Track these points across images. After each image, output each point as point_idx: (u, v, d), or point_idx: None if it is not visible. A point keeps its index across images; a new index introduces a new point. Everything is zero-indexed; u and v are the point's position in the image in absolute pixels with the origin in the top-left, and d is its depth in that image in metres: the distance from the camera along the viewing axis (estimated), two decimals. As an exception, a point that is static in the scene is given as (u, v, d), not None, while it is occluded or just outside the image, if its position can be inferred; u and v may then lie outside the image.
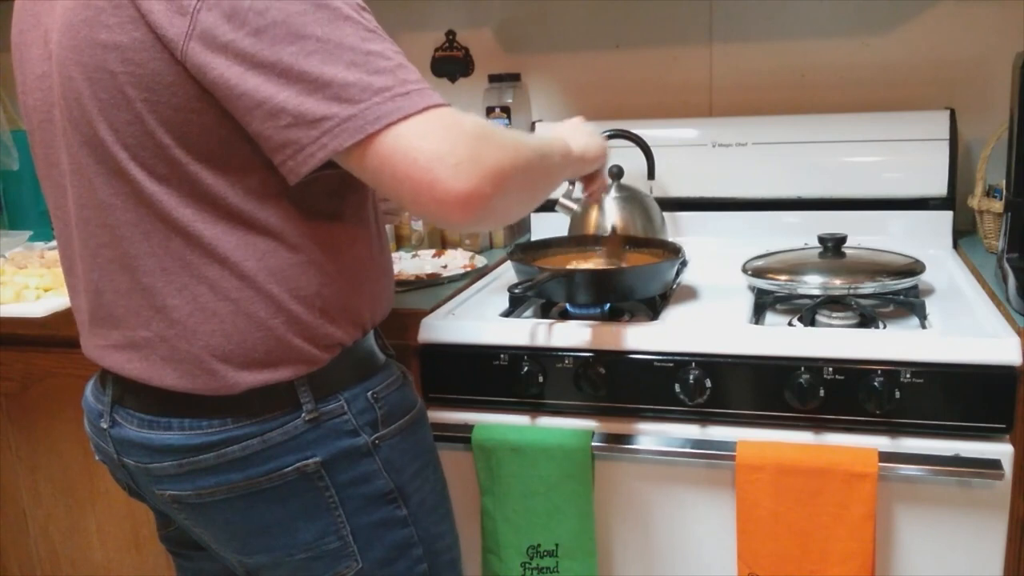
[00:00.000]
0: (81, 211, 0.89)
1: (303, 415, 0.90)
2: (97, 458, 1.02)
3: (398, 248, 1.76)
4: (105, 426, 0.95)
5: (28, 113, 0.94)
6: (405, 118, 0.75)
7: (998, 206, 1.47)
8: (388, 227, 1.69)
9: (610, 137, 1.59)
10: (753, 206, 1.67)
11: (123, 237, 0.86)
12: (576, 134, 1.09)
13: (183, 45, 0.76)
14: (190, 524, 0.96)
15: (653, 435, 1.19)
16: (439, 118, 0.77)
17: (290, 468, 0.90)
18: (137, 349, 0.89)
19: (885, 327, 1.20)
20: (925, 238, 1.57)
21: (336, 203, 0.90)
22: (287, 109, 0.76)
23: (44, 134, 0.91)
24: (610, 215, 1.54)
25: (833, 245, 1.36)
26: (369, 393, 0.95)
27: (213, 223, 0.84)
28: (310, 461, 0.91)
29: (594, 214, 1.55)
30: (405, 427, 0.99)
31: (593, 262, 1.37)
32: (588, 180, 1.17)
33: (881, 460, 1.08)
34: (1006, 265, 1.28)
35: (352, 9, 0.78)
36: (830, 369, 1.12)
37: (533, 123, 1.82)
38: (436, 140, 0.75)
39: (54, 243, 1.08)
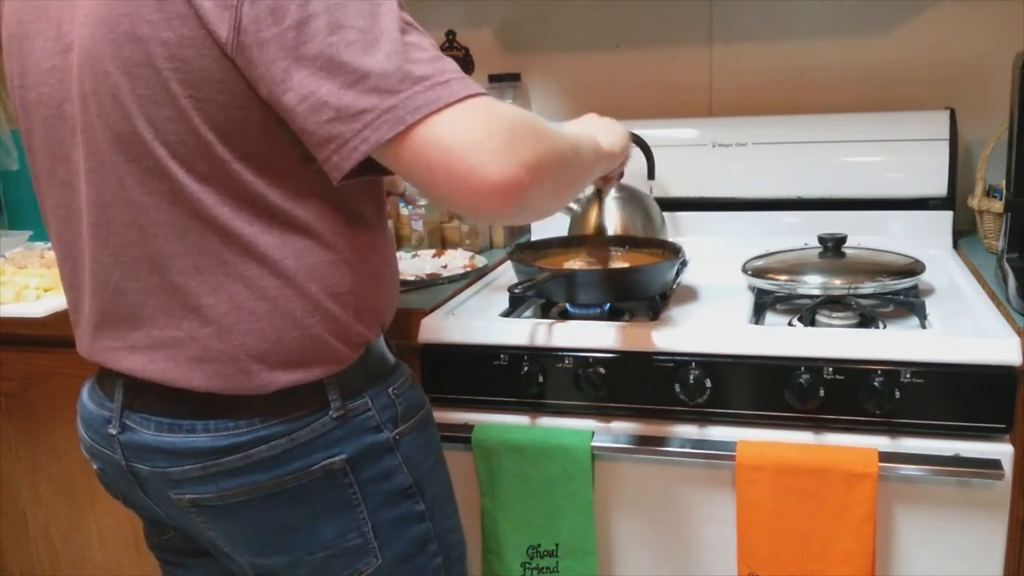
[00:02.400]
0: (104, 210, 0.87)
1: (331, 412, 0.90)
2: (95, 466, 1.00)
3: (398, 248, 1.76)
4: (114, 432, 0.93)
5: (28, 108, 0.91)
6: (444, 107, 0.74)
7: (998, 206, 1.47)
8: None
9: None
10: (753, 206, 1.67)
11: (155, 236, 0.85)
12: (600, 128, 1.09)
13: (232, 41, 0.76)
14: (205, 528, 0.95)
15: (653, 435, 1.19)
16: (477, 107, 0.76)
17: (317, 466, 0.90)
18: (163, 349, 0.88)
19: (885, 327, 1.20)
20: (925, 238, 1.57)
21: (362, 203, 0.91)
22: (329, 103, 0.75)
23: (50, 130, 0.89)
24: (610, 215, 1.54)
25: (833, 245, 1.36)
26: (390, 389, 0.96)
27: (251, 221, 0.83)
28: (336, 459, 0.91)
29: (594, 214, 1.55)
30: (419, 423, 0.99)
31: (578, 262, 1.37)
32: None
33: (881, 460, 1.08)
34: (1006, 265, 1.28)
35: (389, 0, 0.78)
36: (830, 369, 1.12)
37: (533, 123, 1.82)
38: (472, 129, 0.74)
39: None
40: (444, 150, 0.74)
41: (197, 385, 0.87)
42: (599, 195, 1.45)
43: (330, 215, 0.87)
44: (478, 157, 0.73)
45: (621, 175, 1.35)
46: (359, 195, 0.90)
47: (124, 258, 0.87)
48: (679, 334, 1.19)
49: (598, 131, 1.07)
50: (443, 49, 1.90)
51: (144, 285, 0.87)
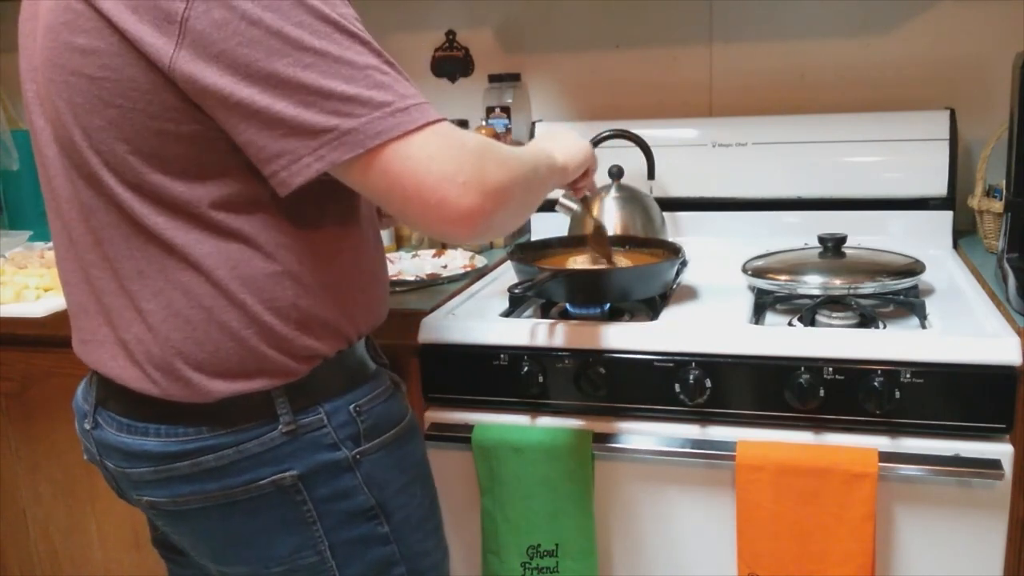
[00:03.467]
0: (69, 210, 0.88)
1: (280, 427, 0.88)
2: (85, 458, 1.01)
3: (398, 248, 1.76)
4: (88, 427, 0.95)
5: (26, 104, 0.92)
6: (406, 134, 0.76)
7: (998, 206, 1.47)
8: (387, 228, 1.69)
9: (610, 137, 1.59)
10: (753, 206, 1.67)
11: (105, 239, 0.85)
12: (558, 143, 1.09)
13: (172, 54, 0.75)
14: (169, 530, 0.96)
15: (653, 435, 1.19)
16: (441, 135, 0.78)
17: (266, 480, 0.88)
18: (120, 349, 0.89)
19: (885, 327, 1.20)
20: (925, 238, 1.57)
21: (318, 213, 0.88)
22: (284, 119, 0.75)
23: (33, 128, 0.91)
24: (610, 215, 1.54)
25: (833, 245, 1.36)
26: (352, 406, 0.93)
27: (186, 230, 0.83)
28: (287, 474, 0.89)
29: (594, 214, 1.55)
30: (390, 441, 0.96)
31: (581, 260, 1.36)
32: (574, 182, 1.16)
33: (881, 460, 1.08)
34: (1006, 265, 1.28)
35: (347, 20, 0.78)
36: (830, 369, 1.12)
37: (533, 123, 1.82)
38: (443, 160, 0.76)
39: (54, 242, 1.08)
40: (417, 181, 0.76)
41: (144, 389, 0.87)
42: (585, 204, 1.43)
43: (274, 225, 0.85)
44: (450, 189, 0.76)
45: (594, 189, 1.31)
46: (314, 204, 0.87)
47: (88, 257, 0.88)
48: (679, 334, 1.19)
49: (556, 146, 1.07)
50: (443, 49, 1.90)
51: (105, 285, 0.88)
